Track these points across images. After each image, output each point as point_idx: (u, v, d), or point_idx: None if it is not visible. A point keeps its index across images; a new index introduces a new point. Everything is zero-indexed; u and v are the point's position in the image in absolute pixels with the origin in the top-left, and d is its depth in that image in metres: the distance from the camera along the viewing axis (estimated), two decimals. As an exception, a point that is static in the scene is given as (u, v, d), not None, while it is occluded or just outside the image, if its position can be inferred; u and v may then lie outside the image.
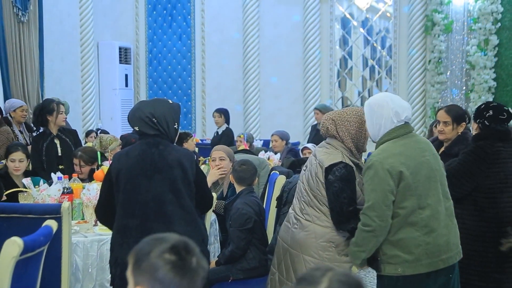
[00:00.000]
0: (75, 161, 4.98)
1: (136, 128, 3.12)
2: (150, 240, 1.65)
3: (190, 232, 3.04)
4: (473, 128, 3.96)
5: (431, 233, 2.97)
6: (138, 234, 2.92)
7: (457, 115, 4.17)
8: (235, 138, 8.27)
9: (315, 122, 8.38)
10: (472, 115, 3.94)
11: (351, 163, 3.16)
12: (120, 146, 5.77)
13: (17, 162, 4.63)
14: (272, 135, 7.62)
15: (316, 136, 7.72)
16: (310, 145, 6.66)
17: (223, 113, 8.55)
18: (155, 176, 3.03)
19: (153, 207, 3.02)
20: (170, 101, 3.23)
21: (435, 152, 3.13)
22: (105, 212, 3.15)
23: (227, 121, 8.57)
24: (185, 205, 3.05)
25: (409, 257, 2.97)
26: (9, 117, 6.72)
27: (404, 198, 2.96)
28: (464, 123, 4.19)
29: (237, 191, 4.35)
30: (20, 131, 6.71)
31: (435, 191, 3.02)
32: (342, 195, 3.09)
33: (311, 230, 3.16)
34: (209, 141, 9.13)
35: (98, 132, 7.58)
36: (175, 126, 3.15)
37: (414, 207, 2.96)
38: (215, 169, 4.72)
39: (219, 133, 8.53)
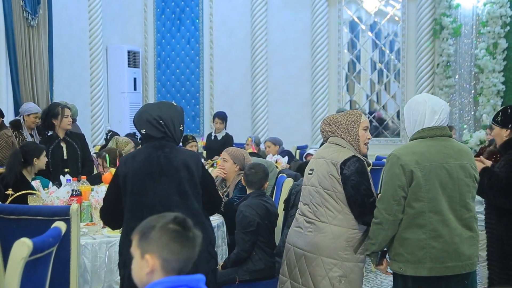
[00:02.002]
0: (99, 161, 5.12)
1: (143, 131, 3.14)
2: (154, 217, 1.90)
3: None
4: (497, 134, 3.74)
5: (438, 238, 2.96)
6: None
7: None
8: (244, 142, 8.30)
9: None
10: (499, 120, 3.72)
11: (361, 157, 3.22)
12: (134, 149, 5.82)
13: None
14: (265, 142, 7.92)
15: None
16: (313, 151, 6.67)
17: (225, 119, 8.54)
18: (161, 179, 3.05)
19: (160, 210, 3.01)
20: (174, 104, 3.28)
21: (465, 162, 3.05)
22: (109, 214, 3.18)
23: (226, 126, 8.60)
24: (192, 207, 3.06)
25: (411, 258, 2.98)
26: (22, 120, 6.79)
27: (414, 198, 2.97)
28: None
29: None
30: (31, 134, 6.77)
31: (450, 198, 2.99)
32: (361, 187, 3.15)
33: (328, 231, 3.19)
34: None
35: (109, 134, 7.62)
36: (180, 128, 3.19)
37: (423, 209, 2.96)
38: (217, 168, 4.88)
39: (219, 138, 8.50)
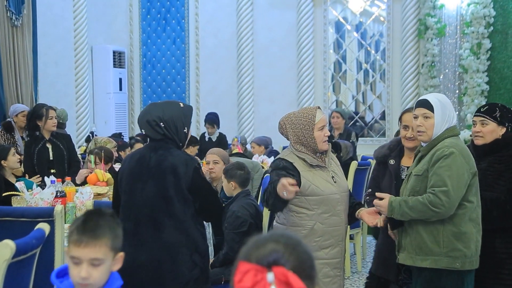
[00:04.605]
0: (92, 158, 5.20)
1: (143, 131, 3.18)
2: None
3: (181, 241, 3.03)
4: (492, 130, 3.50)
5: (479, 232, 3.09)
6: (130, 237, 2.92)
7: None
8: (231, 142, 8.30)
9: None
10: (498, 116, 3.49)
11: (292, 159, 3.23)
12: (115, 148, 5.80)
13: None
14: (251, 142, 8.06)
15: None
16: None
17: (214, 122, 8.55)
18: (149, 182, 3.05)
19: (145, 212, 3.03)
20: (182, 104, 3.19)
21: None
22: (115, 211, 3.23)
23: (219, 126, 8.63)
24: (176, 213, 3.02)
25: (468, 252, 3.03)
26: (13, 122, 6.73)
27: (471, 193, 3.04)
28: None
29: (234, 194, 4.37)
30: (22, 137, 6.68)
31: (480, 193, 3.15)
32: (274, 178, 3.18)
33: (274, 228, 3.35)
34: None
35: (94, 134, 7.60)
36: (184, 130, 3.12)
37: (476, 203, 3.06)
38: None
39: (213, 139, 8.52)
